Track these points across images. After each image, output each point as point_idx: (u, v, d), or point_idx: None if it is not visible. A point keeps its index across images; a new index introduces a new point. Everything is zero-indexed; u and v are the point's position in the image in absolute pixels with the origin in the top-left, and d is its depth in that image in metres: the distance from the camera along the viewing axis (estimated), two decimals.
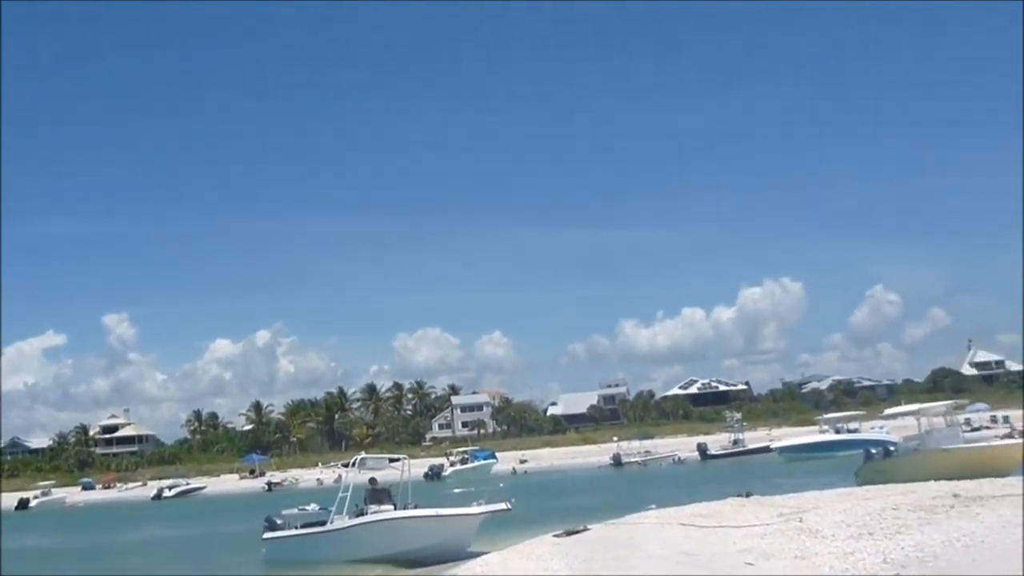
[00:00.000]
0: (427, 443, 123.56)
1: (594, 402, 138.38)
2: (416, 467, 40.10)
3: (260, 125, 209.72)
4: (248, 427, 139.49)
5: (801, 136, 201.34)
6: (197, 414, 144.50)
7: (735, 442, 76.61)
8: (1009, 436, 32.44)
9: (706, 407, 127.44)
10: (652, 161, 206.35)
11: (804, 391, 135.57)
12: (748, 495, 25.55)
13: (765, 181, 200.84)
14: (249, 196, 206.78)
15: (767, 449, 66.57)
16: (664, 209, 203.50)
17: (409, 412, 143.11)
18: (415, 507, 23.70)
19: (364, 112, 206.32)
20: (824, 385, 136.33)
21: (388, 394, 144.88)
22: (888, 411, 42.16)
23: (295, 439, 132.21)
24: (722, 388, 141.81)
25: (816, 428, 69.31)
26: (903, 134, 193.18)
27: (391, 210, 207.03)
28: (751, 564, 13.51)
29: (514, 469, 79.66)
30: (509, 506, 22.34)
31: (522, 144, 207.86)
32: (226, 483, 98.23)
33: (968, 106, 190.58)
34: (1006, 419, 63.97)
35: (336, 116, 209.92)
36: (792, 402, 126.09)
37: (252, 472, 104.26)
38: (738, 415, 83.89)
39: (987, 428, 53.50)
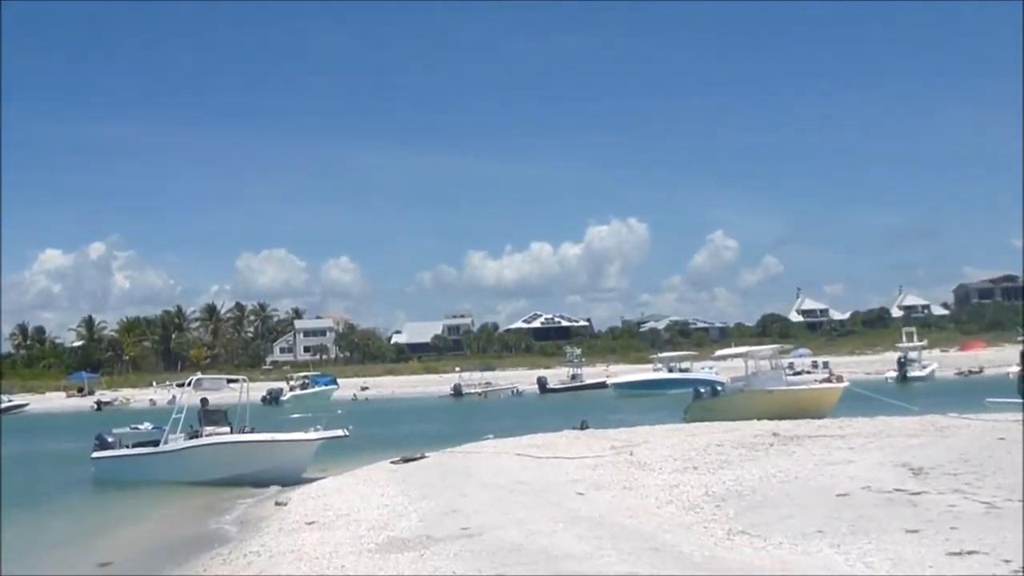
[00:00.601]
0: (267, 367, 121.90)
1: (439, 332, 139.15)
2: (255, 391, 39.55)
3: (102, 26, 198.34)
4: (78, 344, 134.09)
5: (652, 79, 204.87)
6: (22, 328, 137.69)
7: (573, 377, 78.49)
8: (827, 381, 34.30)
9: (548, 342, 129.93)
10: (511, 95, 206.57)
11: (643, 330, 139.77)
12: (584, 427, 26.39)
13: (618, 122, 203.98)
14: (87, 100, 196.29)
15: (603, 385, 68.43)
16: (518, 144, 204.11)
17: (250, 334, 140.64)
18: (251, 431, 23.45)
19: (213, 23, 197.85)
20: (662, 325, 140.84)
21: (229, 315, 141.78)
22: (718, 353, 43.98)
23: (128, 358, 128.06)
24: (564, 324, 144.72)
25: (651, 366, 71.61)
26: (750, 83, 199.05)
27: (241, 124, 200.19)
28: (582, 494, 13.97)
29: (355, 396, 79.56)
30: (347, 432, 22.37)
31: (382, 68, 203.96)
32: (52, 401, 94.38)
33: (809, 60, 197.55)
34: (825, 365, 67.58)
35: (183, 25, 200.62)
36: (630, 340, 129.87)
37: (80, 390, 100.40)
38: (578, 351, 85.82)
39: (808, 372, 56.37)
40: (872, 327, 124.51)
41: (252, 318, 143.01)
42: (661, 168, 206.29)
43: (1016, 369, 41.30)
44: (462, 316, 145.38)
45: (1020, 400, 30.77)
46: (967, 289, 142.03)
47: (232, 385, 27.07)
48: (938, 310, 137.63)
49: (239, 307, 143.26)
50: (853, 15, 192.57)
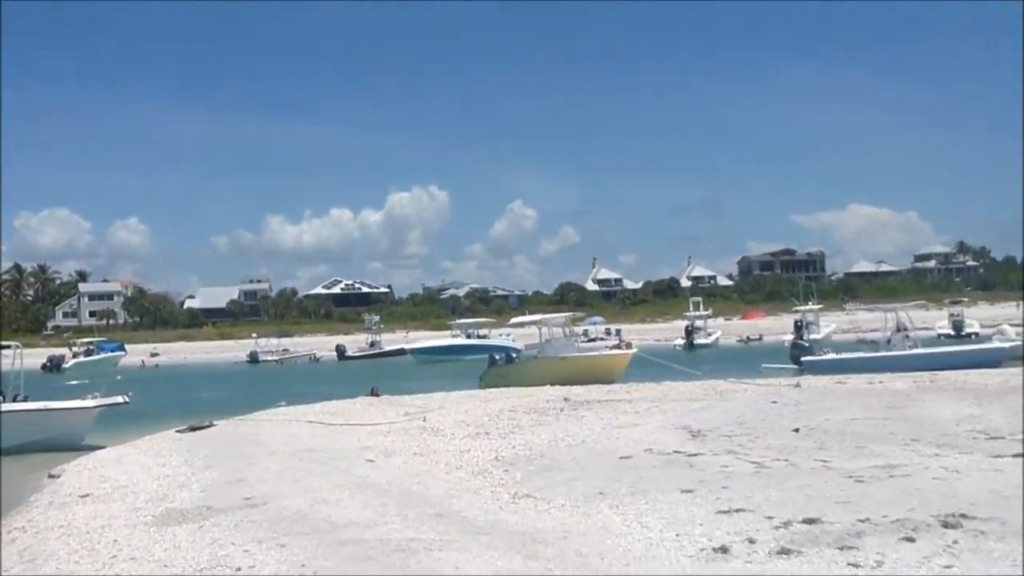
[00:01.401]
0: (48, 332, 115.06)
1: (235, 297, 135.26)
2: (34, 357, 37.13)
3: None
4: None
5: (454, 49, 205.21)
6: None
7: (372, 344, 77.99)
8: (617, 348, 35.45)
9: (348, 308, 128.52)
10: (313, 59, 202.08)
11: (443, 297, 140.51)
12: (375, 393, 26.23)
13: (419, 90, 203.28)
14: None
15: (402, 352, 68.34)
16: (319, 108, 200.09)
17: (30, 298, 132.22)
18: (24, 399, 22.01)
19: None
20: (462, 292, 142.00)
21: (6, 277, 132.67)
22: (513, 320, 44.69)
23: None
24: (365, 290, 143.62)
25: (450, 333, 72.08)
26: (549, 56, 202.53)
27: (21, 78, 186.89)
28: (371, 461, 13.83)
29: (143, 363, 76.21)
30: (126, 399, 21.35)
31: (178, 28, 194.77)
32: None
33: (605, 36, 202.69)
34: (618, 332, 69.98)
35: None
36: (431, 307, 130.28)
37: None
38: (376, 317, 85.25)
39: (601, 340, 58.15)
40: (663, 296, 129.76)
41: (32, 281, 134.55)
42: (462, 137, 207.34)
43: (791, 337, 44.10)
44: (259, 281, 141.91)
45: (793, 365, 32.93)
46: (750, 261, 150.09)
47: (4, 352, 25.28)
48: (723, 281, 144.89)
49: (17, 269, 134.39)
50: None
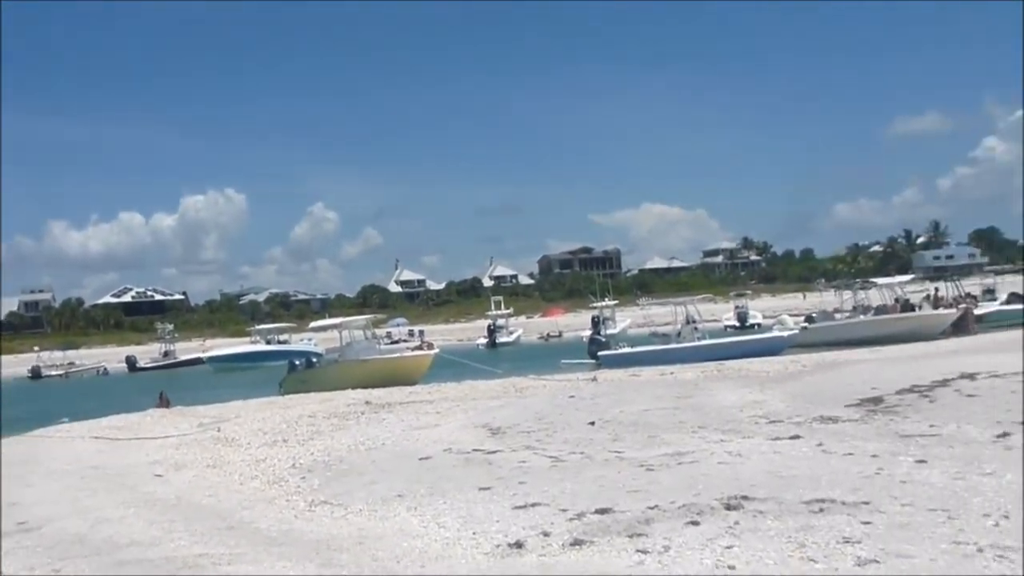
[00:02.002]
0: None
1: (14, 308, 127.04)
2: None
3: None
4: None
5: (248, 46, 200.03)
6: None
7: (166, 353, 74.79)
8: (419, 349, 35.41)
9: (140, 317, 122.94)
10: (99, 54, 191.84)
11: (242, 303, 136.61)
12: (165, 402, 25.21)
13: (213, 89, 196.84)
14: None
15: (199, 361, 65.91)
16: (103, 104, 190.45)
17: None
18: None
19: None
20: (262, 297, 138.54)
21: None
22: (313, 324, 43.95)
23: None
24: (158, 298, 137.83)
25: (249, 339, 70.12)
26: (345, 55, 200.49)
27: None
28: (160, 475, 13.21)
29: None
30: None
31: None
32: None
33: (395, 40, 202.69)
34: (421, 333, 69.91)
35: None
36: (229, 313, 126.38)
37: None
38: (170, 326, 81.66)
39: (404, 341, 57.94)
40: (466, 296, 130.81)
41: None
42: (259, 138, 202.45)
43: (589, 333, 45.33)
44: (41, 291, 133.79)
45: (590, 360, 33.81)
46: (550, 260, 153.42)
47: None
48: (525, 279, 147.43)
49: None
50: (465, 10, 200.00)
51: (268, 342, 64.97)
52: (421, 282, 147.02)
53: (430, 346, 35.47)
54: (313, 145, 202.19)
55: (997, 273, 51.18)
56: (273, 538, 8.62)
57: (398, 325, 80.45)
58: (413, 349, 35.44)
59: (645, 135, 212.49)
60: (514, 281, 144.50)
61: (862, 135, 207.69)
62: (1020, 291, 41.99)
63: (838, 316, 37.77)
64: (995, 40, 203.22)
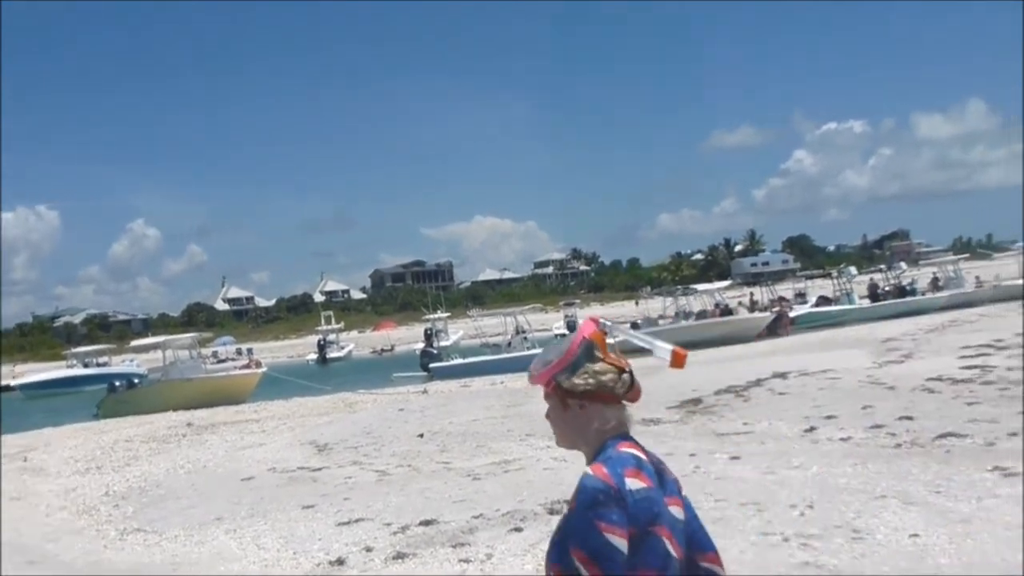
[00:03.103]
0: None
1: None
2: None
3: None
4: None
5: (60, 56, 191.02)
6: None
7: None
8: (246, 367, 34.47)
9: None
10: None
11: (56, 325, 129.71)
12: None
13: (19, 99, 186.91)
14: None
15: (8, 388, 62.06)
16: None
17: None
18: None
19: None
20: (78, 319, 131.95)
21: None
22: (134, 343, 42.15)
23: None
24: None
25: (64, 363, 66.57)
26: (163, 66, 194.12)
27: None
28: None
29: None
30: None
31: None
32: None
33: (228, 47, 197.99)
34: (250, 351, 68.04)
35: None
36: (43, 336, 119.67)
37: None
38: None
39: (232, 360, 56.23)
40: (297, 312, 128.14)
41: None
42: (72, 153, 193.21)
43: (421, 345, 45.16)
44: None
45: (422, 373, 33.67)
46: (382, 274, 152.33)
47: None
48: (357, 294, 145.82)
49: None
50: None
51: (86, 365, 61.67)
52: (249, 299, 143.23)
53: (258, 364, 34.58)
54: (131, 160, 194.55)
55: (808, 278, 53.73)
56: (80, 569, 8.16)
57: (225, 344, 78.10)
58: (240, 367, 34.41)
59: (477, 148, 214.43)
60: (346, 296, 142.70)
61: (683, 149, 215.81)
62: (828, 295, 44.28)
63: (661, 322, 38.89)
64: (802, 59, 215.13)
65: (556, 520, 7.77)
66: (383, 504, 9.48)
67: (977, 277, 45.64)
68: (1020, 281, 43.38)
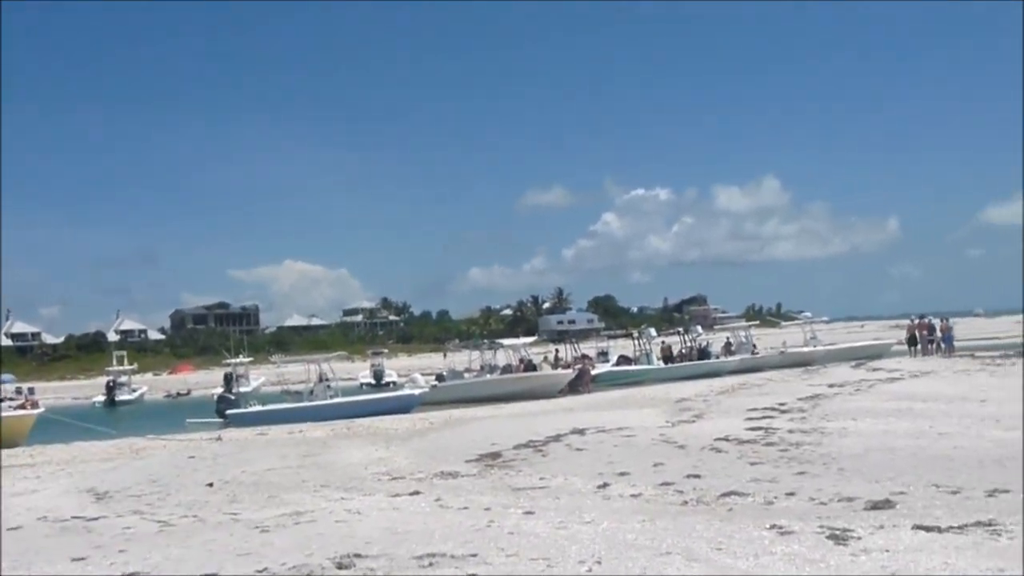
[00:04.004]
0: None
1: None
2: None
3: None
4: None
5: None
6: None
7: None
8: (22, 407, 32.29)
9: None
10: None
11: None
12: None
13: None
14: None
15: None
16: None
17: None
18: None
19: None
20: None
21: None
22: None
23: None
24: None
25: None
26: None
27: None
28: None
29: None
30: None
31: None
32: None
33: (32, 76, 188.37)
34: (31, 391, 63.90)
35: None
36: None
37: None
38: None
39: (10, 400, 52.62)
40: (88, 351, 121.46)
41: None
42: None
43: (220, 390, 43.66)
44: None
45: (219, 419, 32.51)
46: (183, 314, 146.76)
47: None
48: (155, 335, 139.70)
49: None
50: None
51: None
52: (36, 335, 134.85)
53: (34, 404, 32.45)
54: None
55: (611, 337, 55.46)
56: None
57: (5, 382, 73.04)
58: (16, 408, 32.20)
59: (290, 191, 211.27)
60: (143, 336, 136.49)
61: (497, 205, 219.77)
62: (629, 355, 45.76)
63: (467, 375, 39.11)
64: (615, 126, 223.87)
65: (344, 574, 7.56)
66: (162, 556, 8.96)
67: (754, 344, 47.92)
68: (806, 348, 46.20)
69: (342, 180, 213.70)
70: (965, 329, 65.68)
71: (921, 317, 43.83)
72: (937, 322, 42.37)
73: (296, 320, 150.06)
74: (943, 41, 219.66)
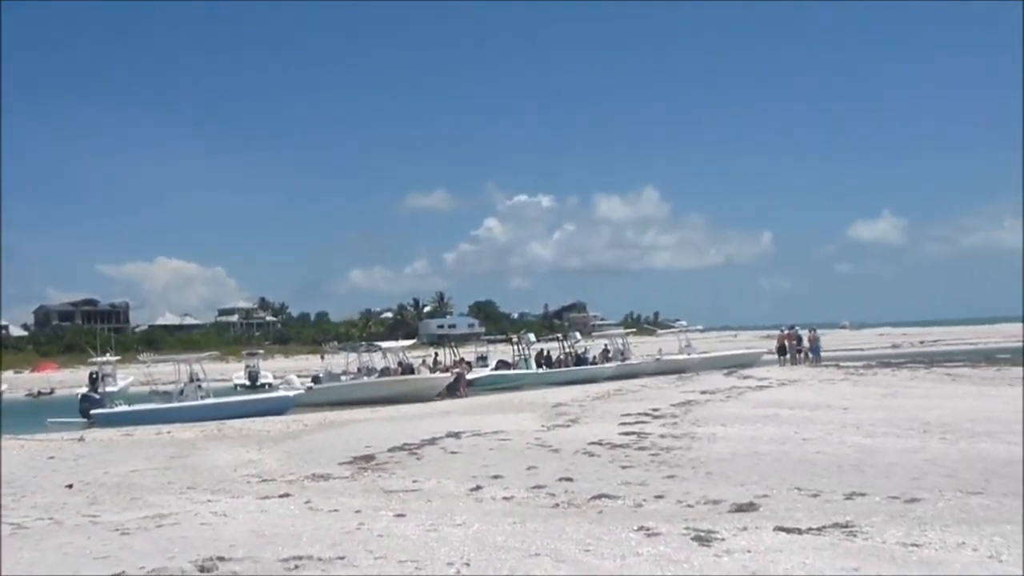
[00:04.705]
0: None
1: None
2: None
3: None
4: None
5: None
6: None
7: None
8: None
9: None
10: None
11: None
12: None
13: None
14: None
15: None
16: None
17: None
18: None
19: None
20: None
21: None
22: None
23: None
24: None
25: None
26: None
27: None
28: None
29: None
30: None
31: None
32: None
33: None
34: None
35: None
36: None
37: None
38: None
39: None
40: None
41: None
42: None
43: (85, 389, 42.06)
44: None
45: (82, 419, 31.33)
46: (48, 311, 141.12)
47: None
48: (18, 331, 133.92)
49: None
50: None
51: None
52: None
53: None
54: None
55: (490, 342, 55.57)
56: None
57: None
58: None
59: (166, 187, 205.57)
60: (4, 332, 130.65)
61: (379, 206, 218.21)
62: (508, 359, 45.94)
63: (344, 377, 38.66)
64: (498, 131, 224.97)
65: None
66: (14, 560, 8.56)
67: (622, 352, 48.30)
68: (681, 356, 47.20)
69: (219, 178, 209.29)
70: (832, 340, 68.23)
71: (790, 328, 45.31)
72: (805, 333, 43.87)
73: (169, 319, 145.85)
74: (816, 56, 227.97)
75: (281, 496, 11.80)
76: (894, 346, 70.78)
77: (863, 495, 10.32)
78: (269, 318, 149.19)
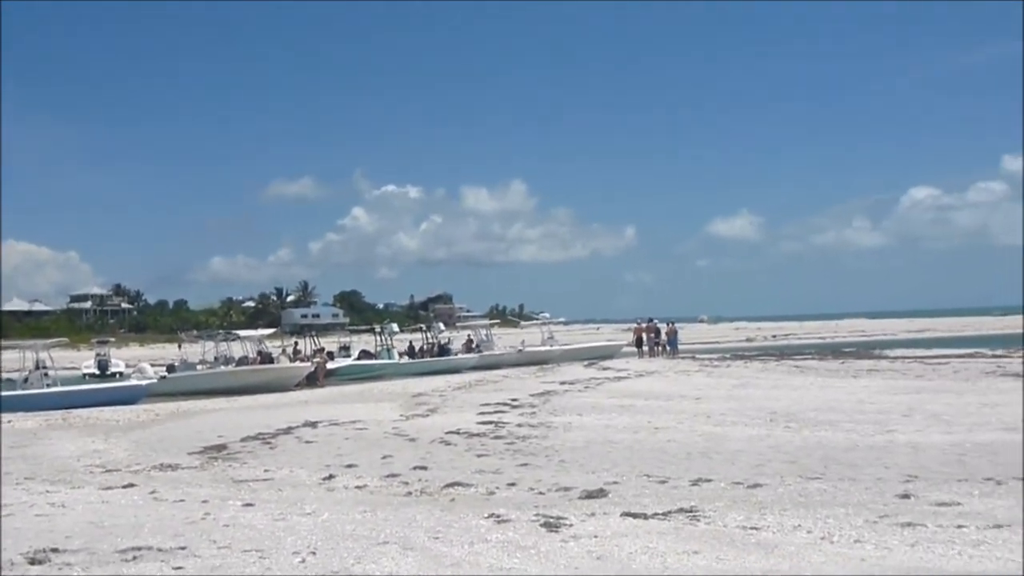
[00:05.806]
0: None
1: None
2: None
3: None
4: None
5: None
6: None
7: None
8: None
9: None
10: None
11: None
12: None
13: None
14: None
15: None
16: None
17: None
18: None
19: None
20: None
21: None
22: None
23: None
24: None
25: None
26: None
27: None
28: None
29: None
30: None
31: None
32: None
33: None
34: None
35: None
36: None
37: None
38: None
39: None
40: None
41: None
42: None
43: None
44: None
45: None
46: None
47: None
48: None
49: None
50: None
51: None
52: None
53: None
54: None
55: (354, 332, 54.98)
56: None
57: None
58: None
59: (13, 165, 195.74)
60: None
61: (242, 193, 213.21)
62: (370, 349, 45.57)
63: (200, 366, 37.66)
64: (368, 119, 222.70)
65: (37, 570, 7.05)
66: None
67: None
68: (543, 348, 47.70)
69: (74, 157, 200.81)
70: (689, 334, 70.10)
71: (648, 321, 46.28)
72: (663, 326, 44.89)
73: (16, 304, 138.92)
74: (680, 58, 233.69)
75: (125, 487, 11.41)
76: (749, 340, 73.14)
77: (709, 481, 10.63)
78: (125, 305, 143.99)
